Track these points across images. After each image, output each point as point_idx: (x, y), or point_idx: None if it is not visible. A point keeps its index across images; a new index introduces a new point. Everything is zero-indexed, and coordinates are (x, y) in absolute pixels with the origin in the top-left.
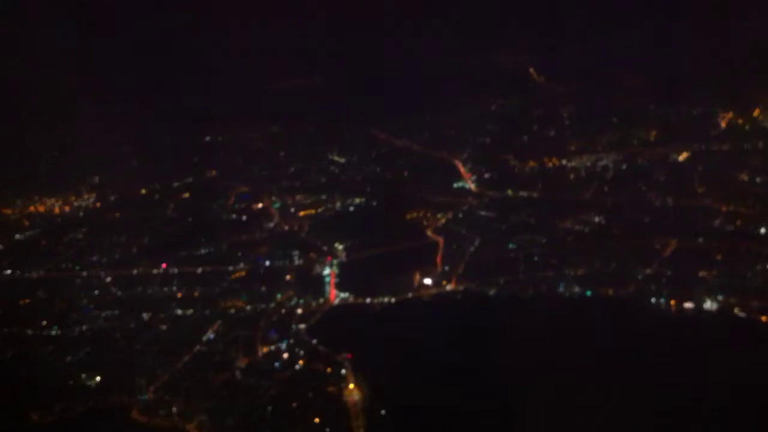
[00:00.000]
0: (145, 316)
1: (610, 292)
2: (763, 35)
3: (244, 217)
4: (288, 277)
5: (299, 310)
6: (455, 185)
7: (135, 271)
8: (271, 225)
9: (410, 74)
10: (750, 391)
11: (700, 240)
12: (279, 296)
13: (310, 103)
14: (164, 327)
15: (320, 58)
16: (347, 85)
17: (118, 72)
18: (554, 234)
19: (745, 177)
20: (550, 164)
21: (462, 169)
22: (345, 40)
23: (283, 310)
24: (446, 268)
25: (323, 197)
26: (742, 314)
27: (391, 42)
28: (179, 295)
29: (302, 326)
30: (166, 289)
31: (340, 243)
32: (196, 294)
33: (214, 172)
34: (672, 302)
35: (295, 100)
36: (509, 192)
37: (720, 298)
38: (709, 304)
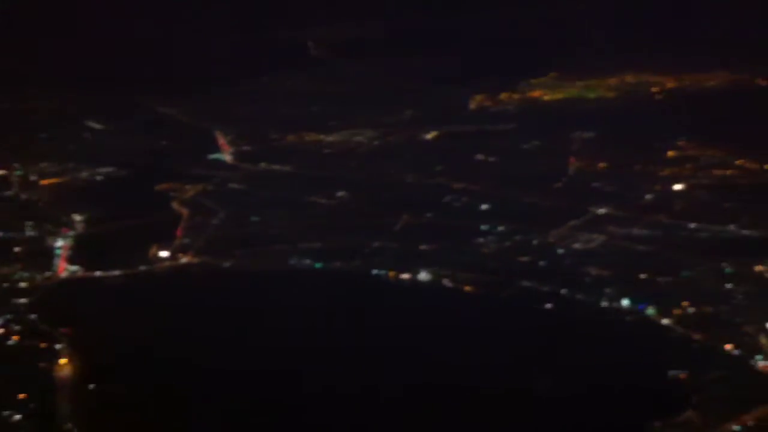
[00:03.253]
0: None
1: (339, 264)
2: (529, 23)
3: None
4: (17, 249)
5: (23, 284)
6: (212, 157)
7: None
8: (9, 194)
9: (190, 46)
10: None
11: (429, 215)
12: (3, 269)
13: (81, 68)
14: None
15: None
16: (132, 51)
17: None
18: (298, 208)
19: (481, 157)
20: (309, 138)
21: (222, 141)
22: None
23: (6, 284)
24: (186, 241)
25: (71, 166)
26: (449, 285)
27: (181, 13)
28: None
29: (23, 300)
30: None
31: (80, 214)
32: None
33: None
34: (391, 274)
35: (66, 63)
36: (263, 165)
37: (435, 270)
38: (423, 276)
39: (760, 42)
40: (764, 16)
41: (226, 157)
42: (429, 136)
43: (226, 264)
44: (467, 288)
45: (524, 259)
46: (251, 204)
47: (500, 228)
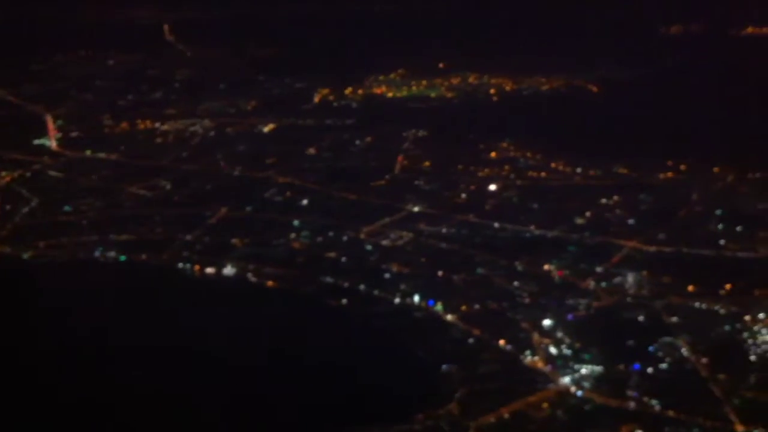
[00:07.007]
0: None
1: (145, 257)
2: (382, 19)
3: None
4: None
5: None
6: (36, 142)
7: None
8: None
9: (41, 21)
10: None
11: (248, 209)
12: None
13: None
14: None
15: None
16: None
17: None
18: (116, 198)
19: (312, 151)
20: (143, 126)
21: (50, 126)
22: None
23: None
24: None
25: None
26: (254, 279)
27: None
28: None
29: None
30: None
31: None
32: None
33: None
34: (196, 267)
35: None
36: (88, 153)
37: (241, 264)
38: (228, 270)
39: (600, 49)
40: (606, 24)
41: (52, 143)
42: (266, 128)
43: (25, 255)
44: (270, 283)
45: (331, 254)
46: (67, 193)
47: (314, 223)
